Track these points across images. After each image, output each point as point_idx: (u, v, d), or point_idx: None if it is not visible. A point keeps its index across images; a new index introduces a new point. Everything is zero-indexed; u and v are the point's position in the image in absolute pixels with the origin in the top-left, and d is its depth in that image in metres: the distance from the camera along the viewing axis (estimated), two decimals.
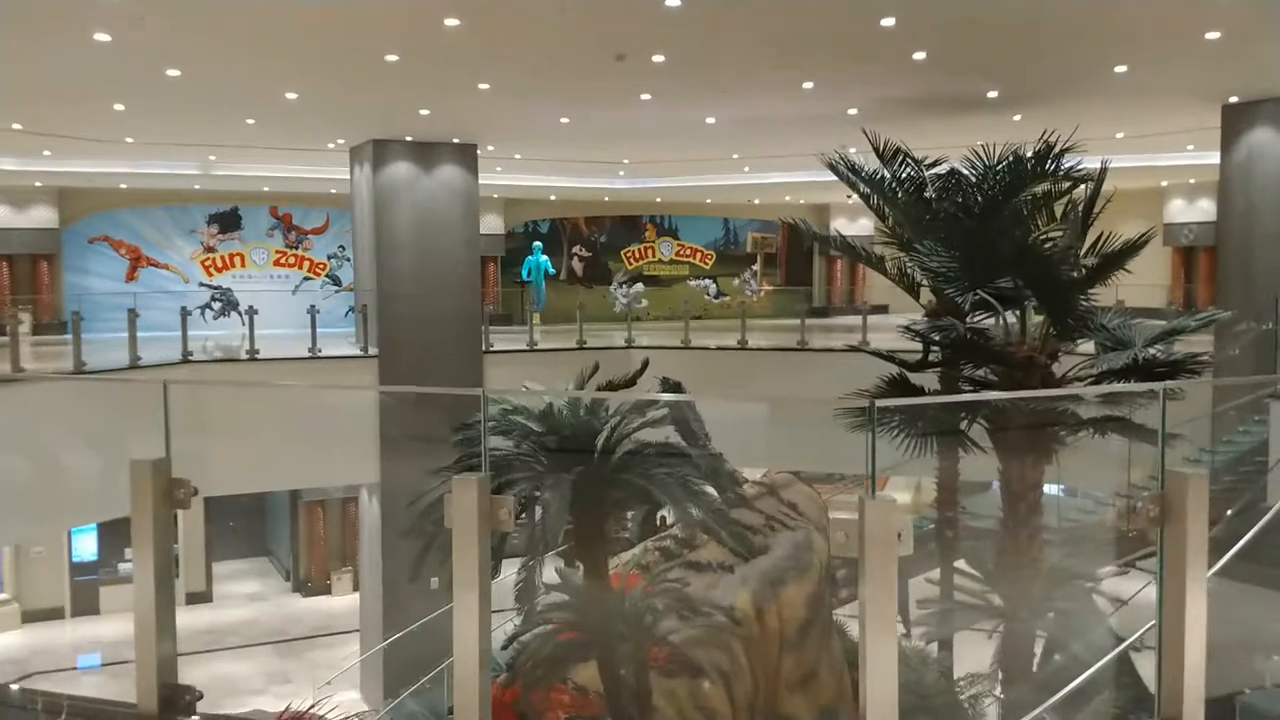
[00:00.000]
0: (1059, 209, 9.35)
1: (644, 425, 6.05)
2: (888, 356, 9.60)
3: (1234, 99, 14.57)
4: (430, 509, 5.77)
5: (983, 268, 8.46)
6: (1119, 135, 17.57)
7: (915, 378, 9.47)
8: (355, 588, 21.84)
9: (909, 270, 13.02)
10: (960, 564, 13.16)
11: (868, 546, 2.83)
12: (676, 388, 8.98)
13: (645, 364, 6.97)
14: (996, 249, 8.50)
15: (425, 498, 5.94)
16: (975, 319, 9.15)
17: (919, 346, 9.74)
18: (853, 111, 14.82)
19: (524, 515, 5.79)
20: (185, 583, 22.53)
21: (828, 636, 9.50)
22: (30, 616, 21.31)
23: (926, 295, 11.65)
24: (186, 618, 21.69)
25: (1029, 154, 8.85)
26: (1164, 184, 24.89)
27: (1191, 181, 24.29)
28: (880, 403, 6.04)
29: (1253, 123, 14.52)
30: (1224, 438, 14.23)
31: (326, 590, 22.92)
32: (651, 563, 8.47)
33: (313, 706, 14.03)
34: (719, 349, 17.93)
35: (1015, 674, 10.14)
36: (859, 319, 18.19)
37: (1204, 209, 24.59)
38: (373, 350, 17.02)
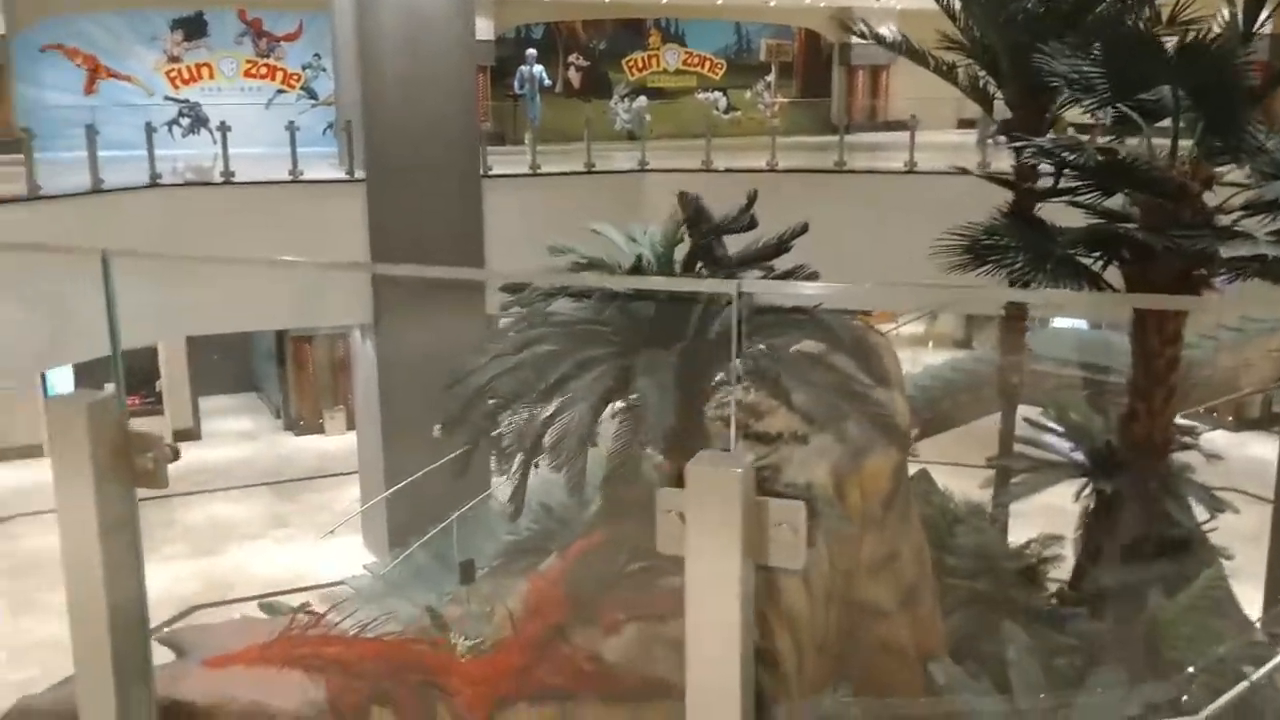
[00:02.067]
0: None
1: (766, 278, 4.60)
2: (1007, 181, 8.06)
3: None
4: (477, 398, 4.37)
5: (1130, 73, 6.84)
6: None
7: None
8: (349, 427, 20.76)
9: (981, 80, 11.29)
10: (1036, 414, 11.96)
11: None
12: (697, 206, 7.43)
13: (753, 196, 5.45)
14: (1148, 49, 6.86)
15: (470, 379, 4.54)
16: (1106, 139, 7.61)
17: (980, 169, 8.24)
18: None
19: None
20: (171, 419, 21.37)
21: (909, 509, 8.37)
22: (5, 455, 20.18)
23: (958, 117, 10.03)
24: None
25: None
26: None
27: None
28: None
29: None
30: None
31: (319, 429, 21.81)
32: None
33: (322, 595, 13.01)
34: (747, 171, 16.24)
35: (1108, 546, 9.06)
36: (882, 136, 16.51)
37: None
38: (359, 173, 15.28)
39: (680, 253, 5.26)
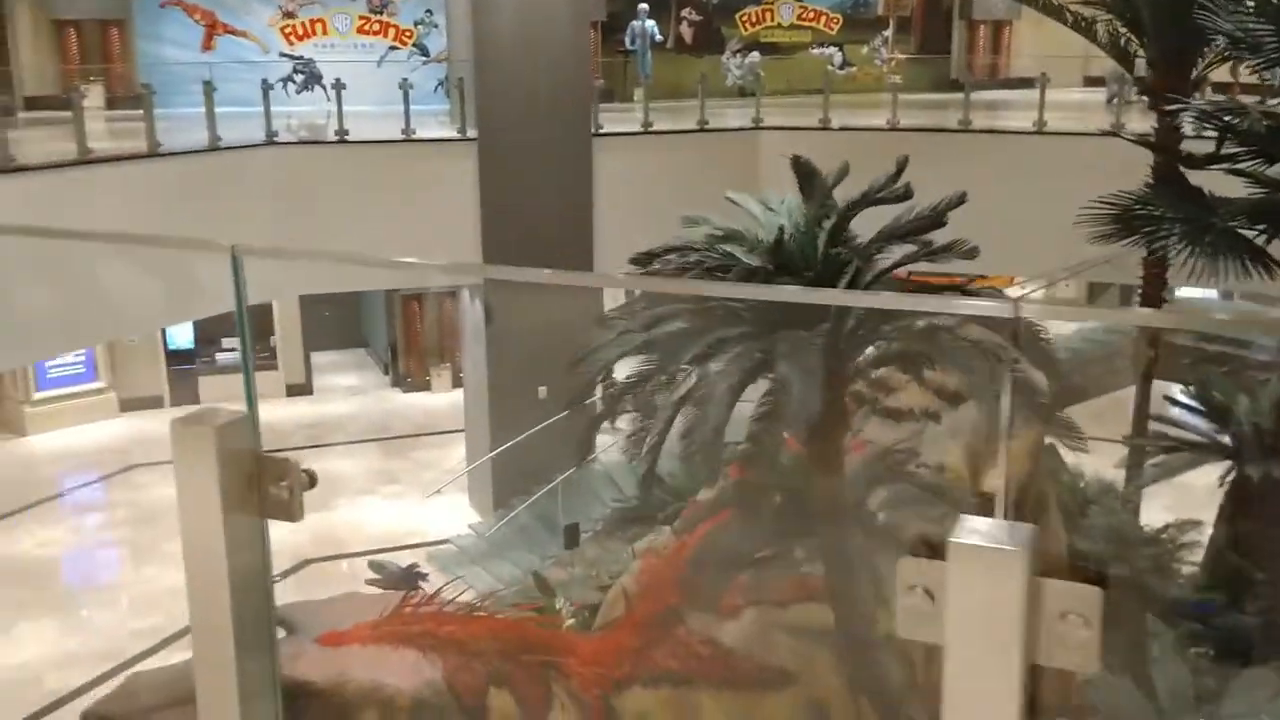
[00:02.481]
0: None
1: (921, 256, 4.23)
2: (1160, 146, 7.47)
3: None
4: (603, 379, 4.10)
5: None
6: None
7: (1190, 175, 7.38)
8: (454, 385, 20.86)
9: (1123, 37, 10.57)
10: (1173, 391, 11.30)
11: None
12: (809, 171, 6.99)
13: (903, 162, 5.05)
14: None
15: (595, 355, 4.28)
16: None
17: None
18: None
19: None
20: (284, 374, 21.76)
21: (1046, 492, 7.91)
22: (128, 405, 20.79)
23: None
24: (288, 410, 21.04)
25: None
26: None
27: None
28: None
29: None
30: None
31: (426, 386, 21.96)
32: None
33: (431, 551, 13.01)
34: (866, 130, 15.64)
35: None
36: (1004, 94, 15.70)
37: None
38: (471, 132, 15.13)
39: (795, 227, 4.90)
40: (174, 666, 5.98)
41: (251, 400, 1.85)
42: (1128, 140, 9.05)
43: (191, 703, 5.67)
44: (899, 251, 4.71)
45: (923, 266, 7.05)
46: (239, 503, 1.68)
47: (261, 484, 1.70)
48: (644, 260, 4.71)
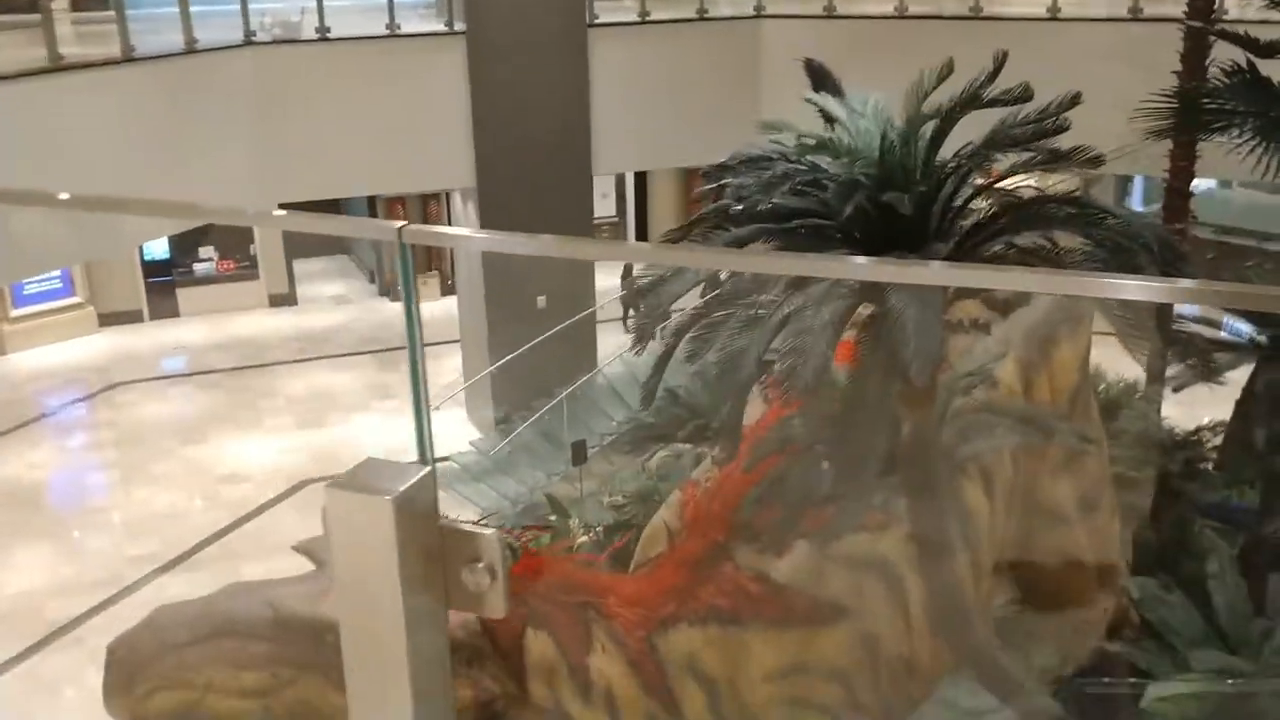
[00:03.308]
0: None
1: (1036, 164, 3.74)
2: (1233, 36, 6.92)
3: None
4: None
5: None
6: None
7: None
8: (443, 293, 20.29)
9: None
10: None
11: None
12: (821, 73, 6.43)
13: (1002, 57, 4.50)
14: None
15: (662, 286, 3.81)
16: None
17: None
18: None
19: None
20: (266, 284, 21.14)
21: (1090, 400, 7.56)
22: (107, 320, 20.16)
23: None
24: (272, 322, 20.47)
25: None
26: None
27: None
28: None
29: None
30: None
31: None
32: None
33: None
34: (873, 18, 14.88)
35: None
36: None
37: None
38: (459, 25, 14.29)
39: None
40: (198, 601, 5.63)
41: (425, 442, 1.40)
42: (1165, 22, 8.43)
43: (216, 637, 5.24)
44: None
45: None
46: (420, 587, 1.22)
47: (447, 565, 1.23)
48: (717, 173, 4.20)
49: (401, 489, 1.19)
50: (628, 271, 20.22)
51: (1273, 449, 8.96)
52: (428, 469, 1.24)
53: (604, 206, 21.79)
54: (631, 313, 15.59)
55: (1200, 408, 10.43)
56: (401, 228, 1.37)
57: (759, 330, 3.75)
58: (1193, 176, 11.42)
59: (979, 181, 4.12)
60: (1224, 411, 10.13)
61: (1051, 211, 4.05)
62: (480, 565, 1.23)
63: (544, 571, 5.53)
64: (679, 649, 5.48)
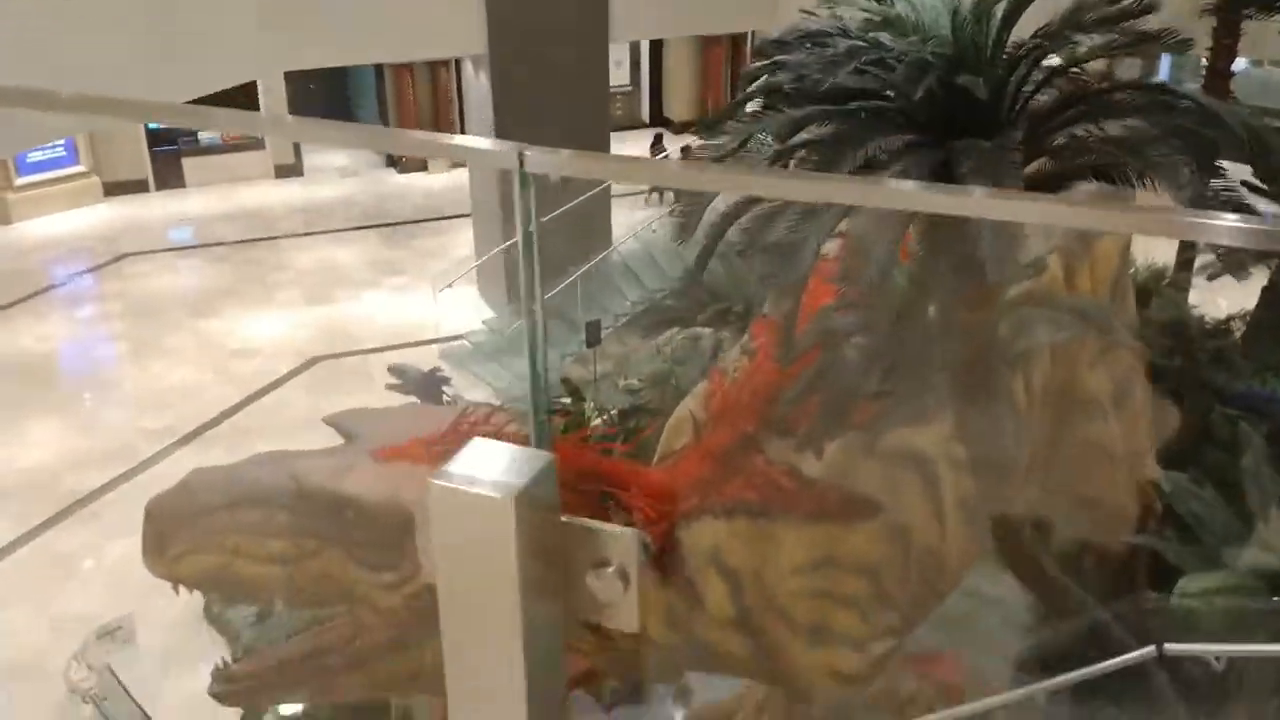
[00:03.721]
0: None
1: (1120, 48, 3.42)
2: None
3: None
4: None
5: None
6: None
7: None
8: (452, 164, 19.84)
9: None
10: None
11: None
12: None
13: None
14: None
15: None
16: None
17: None
18: None
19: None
20: (271, 155, 20.69)
21: (1128, 288, 7.32)
22: (112, 190, 19.81)
23: None
24: (278, 193, 20.10)
25: None
26: None
27: None
28: None
29: None
30: None
31: (423, 166, 20.86)
32: None
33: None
34: None
35: None
36: None
37: None
38: None
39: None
40: (227, 467, 5.56)
41: (543, 427, 1.19)
42: None
43: (244, 504, 5.12)
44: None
45: None
46: (538, 593, 1.01)
47: (569, 564, 1.03)
48: (773, 48, 3.89)
49: (523, 483, 0.98)
50: (657, 140, 19.70)
51: None
52: (550, 458, 1.04)
53: (618, 76, 21.14)
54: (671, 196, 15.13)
55: (1227, 295, 10.21)
56: (523, 154, 1.13)
57: (818, 221, 3.51)
58: (1235, 56, 10.96)
59: (1050, 63, 3.82)
60: (1251, 301, 9.92)
61: (1128, 99, 3.76)
62: (610, 571, 1.03)
63: (562, 458, 5.40)
64: (703, 541, 5.37)
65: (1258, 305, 10.32)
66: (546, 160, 1.20)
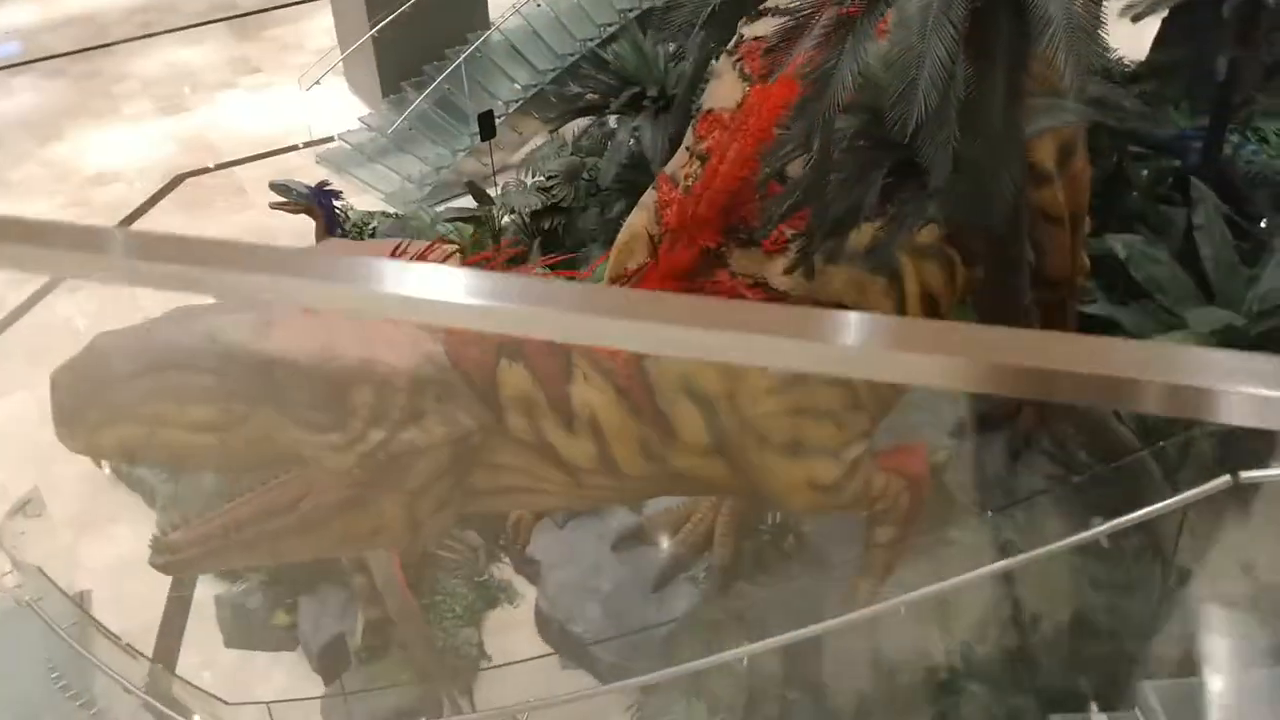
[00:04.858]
0: None
1: None
2: None
3: None
4: None
5: None
6: None
7: None
8: None
9: None
10: None
11: None
12: None
13: None
14: None
15: None
16: None
17: None
18: None
19: None
20: None
21: None
22: None
23: None
24: None
25: None
26: None
27: None
28: None
29: None
30: None
31: None
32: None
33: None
34: None
35: None
36: None
37: None
38: None
39: None
40: (137, 328, 4.97)
41: None
42: None
43: (160, 369, 4.51)
44: None
45: None
46: None
47: None
48: None
49: None
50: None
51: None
52: None
53: None
54: None
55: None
56: None
57: (853, 38, 2.95)
58: None
59: None
60: None
61: None
62: None
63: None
64: (672, 370, 5.03)
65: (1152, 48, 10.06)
66: None
